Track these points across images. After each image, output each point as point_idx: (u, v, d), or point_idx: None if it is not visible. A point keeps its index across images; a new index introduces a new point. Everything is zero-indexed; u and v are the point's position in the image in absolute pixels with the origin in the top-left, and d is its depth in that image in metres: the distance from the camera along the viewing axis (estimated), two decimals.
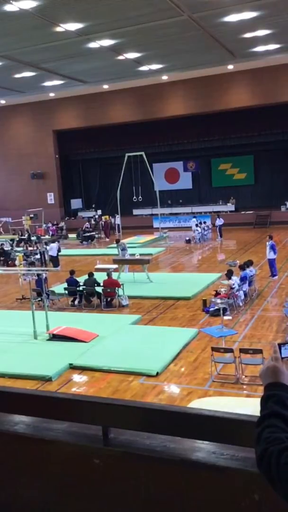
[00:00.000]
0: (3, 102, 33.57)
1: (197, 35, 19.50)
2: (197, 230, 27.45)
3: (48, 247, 22.23)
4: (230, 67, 27.45)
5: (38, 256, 21.81)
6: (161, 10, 16.26)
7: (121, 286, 14.93)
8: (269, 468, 1.49)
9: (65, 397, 2.89)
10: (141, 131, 33.14)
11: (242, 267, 14.69)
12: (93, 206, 37.95)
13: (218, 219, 27.89)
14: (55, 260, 21.38)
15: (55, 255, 21.48)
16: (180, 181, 37.55)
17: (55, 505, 2.55)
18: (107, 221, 32.22)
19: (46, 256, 21.94)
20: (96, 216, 34.49)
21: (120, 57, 22.39)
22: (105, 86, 30.38)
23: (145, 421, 2.38)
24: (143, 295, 15.60)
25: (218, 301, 12.46)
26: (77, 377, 9.87)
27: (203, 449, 2.26)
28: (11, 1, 14.90)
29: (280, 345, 1.76)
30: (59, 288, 16.24)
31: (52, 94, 31.80)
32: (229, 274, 13.99)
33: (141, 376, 9.55)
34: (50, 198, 36.27)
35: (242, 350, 9.27)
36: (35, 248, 23.73)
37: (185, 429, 2.29)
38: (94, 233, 31.06)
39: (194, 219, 29.23)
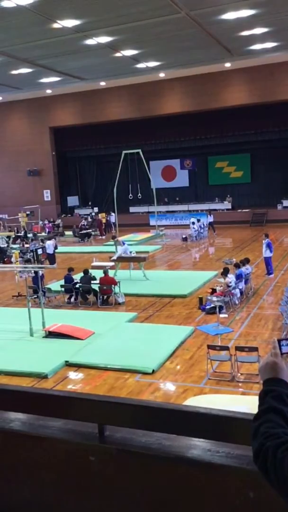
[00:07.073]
0: None
1: (195, 32, 19.47)
2: (193, 228, 27.52)
3: (45, 245, 22.16)
4: (227, 65, 27.41)
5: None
6: (159, 8, 16.23)
7: (118, 284, 14.94)
8: (265, 463, 1.49)
9: (61, 395, 2.89)
10: (138, 129, 33.08)
11: (238, 265, 14.72)
12: (90, 203, 37.91)
13: (209, 216, 29.04)
14: (51, 258, 21.34)
15: (51, 252, 21.44)
16: (176, 179, 37.57)
17: (51, 502, 2.55)
18: (99, 219, 32.25)
19: (40, 252, 21.81)
20: (93, 214, 34.44)
21: (117, 54, 22.33)
22: (102, 83, 30.31)
23: (141, 419, 2.38)
24: (139, 292, 15.60)
25: (214, 299, 12.46)
26: (73, 375, 9.87)
27: (198, 447, 2.26)
28: None
29: (279, 341, 1.76)
30: (56, 285, 16.24)
31: (49, 91, 31.69)
32: (225, 272, 14.01)
33: (137, 373, 9.56)
34: (47, 195, 36.20)
35: (238, 348, 9.28)
36: (31, 245, 23.66)
37: (180, 426, 2.30)
38: (90, 230, 31.04)
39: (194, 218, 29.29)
